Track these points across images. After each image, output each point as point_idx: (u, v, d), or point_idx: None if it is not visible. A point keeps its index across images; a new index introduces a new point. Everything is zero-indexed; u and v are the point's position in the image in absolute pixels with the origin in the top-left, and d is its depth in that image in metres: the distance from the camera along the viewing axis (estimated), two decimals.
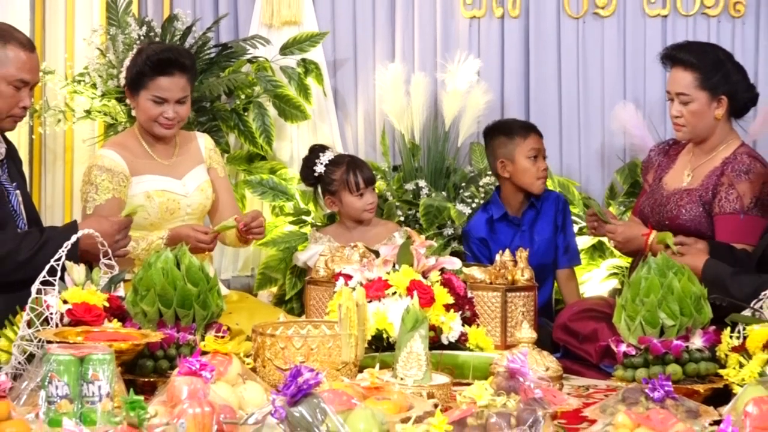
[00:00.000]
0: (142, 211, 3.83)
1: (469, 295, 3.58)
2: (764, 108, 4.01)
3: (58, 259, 2.95)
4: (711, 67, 3.82)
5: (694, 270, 3.17)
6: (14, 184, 3.58)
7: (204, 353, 2.74)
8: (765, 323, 2.96)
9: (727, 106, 3.83)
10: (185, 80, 3.97)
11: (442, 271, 3.56)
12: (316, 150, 4.46)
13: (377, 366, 2.74)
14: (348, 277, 3.52)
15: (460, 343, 3.42)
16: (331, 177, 4.34)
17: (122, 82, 4.15)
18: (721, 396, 2.88)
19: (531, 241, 4.32)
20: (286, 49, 4.94)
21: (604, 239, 4.28)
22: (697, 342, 2.99)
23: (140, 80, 3.96)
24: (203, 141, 4.20)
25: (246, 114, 4.90)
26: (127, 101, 4.15)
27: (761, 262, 3.42)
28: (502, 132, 4.44)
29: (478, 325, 3.54)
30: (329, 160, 4.38)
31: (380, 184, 4.71)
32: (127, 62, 4.10)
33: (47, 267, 2.93)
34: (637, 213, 4.09)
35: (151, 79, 3.93)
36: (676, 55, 3.88)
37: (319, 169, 4.37)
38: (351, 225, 4.39)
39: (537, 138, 4.42)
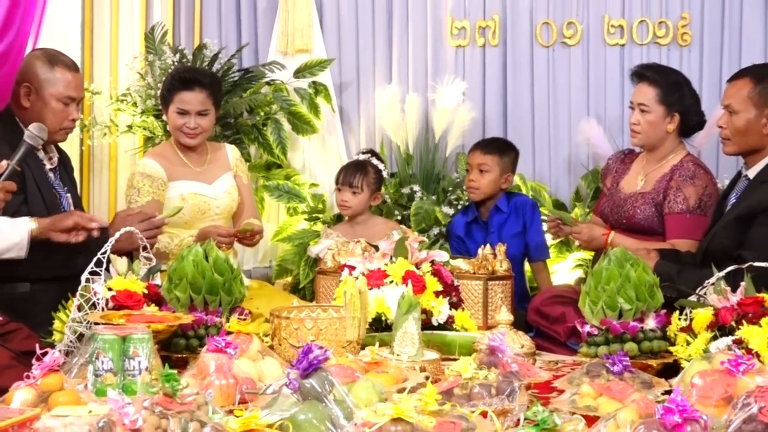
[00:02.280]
0: (180, 211, 3.83)
1: (456, 283, 3.58)
2: (708, 123, 4.01)
3: (104, 253, 2.95)
4: (671, 87, 3.85)
5: None
6: (65, 188, 3.57)
7: (229, 333, 2.74)
8: (708, 307, 2.95)
9: (678, 122, 3.85)
10: (204, 95, 3.96)
11: (433, 262, 3.55)
12: (367, 151, 4.52)
13: (377, 344, 2.73)
14: (352, 268, 3.52)
15: (447, 325, 3.42)
16: None
17: (159, 101, 4.17)
18: (671, 369, 2.87)
19: (500, 241, 4.29)
20: (298, 73, 4.94)
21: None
22: (650, 323, 2.99)
23: (169, 96, 3.98)
24: (231, 151, 4.20)
25: (265, 128, 4.90)
26: (164, 117, 4.16)
27: (705, 256, 3.42)
28: None
29: (463, 309, 3.53)
30: (355, 156, 4.53)
31: None
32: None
33: (94, 259, 2.93)
34: (598, 213, 4.09)
35: (176, 93, 3.95)
36: (643, 73, 3.92)
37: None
38: (355, 223, 4.38)
39: (474, 154, 4.39)
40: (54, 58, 3.48)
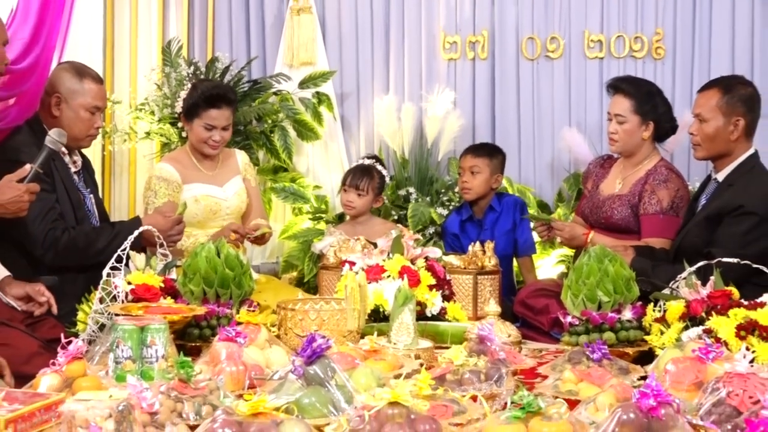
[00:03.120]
0: (188, 207, 3.82)
1: (448, 277, 3.58)
2: (680, 129, 4.02)
3: (124, 250, 2.95)
4: (645, 97, 3.84)
5: None
6: (88, 189, 3.58)
7: (239, 323, 2.74)
8: (680, 300, 2.96)
9: (652, 130, 3.85)
10: (230, 112, 3.97)
11: (427, 258, 3.55)
12: (372, 157, 4.49)
13: (375, 333, 2.74)
14: (352, 263, 3.52)
15: (440, 316, 3.42)
16: None
17: (178, 110, 4.14)
18: (646, 357, 2.88)
19: (492, 237, 4.29)
20: (303, 84, 4.94)
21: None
22: (627, 314, 2.99)
23: (195, 110, 3.94)
24: (241, 157, 4.19)
25: (272, 135, 4.89)
26: (179, 125, 4.14)
27: (678, 253, 3.43)
28: None
29: (454, 301, 3.54)
30: (357, 161, 4.48)
31: None
32: (183, 94, 4.09)
33: (115, 255, 2.93)
34: (579, 214, 4.09)
35: (204, 110, 3.92)
36: (619, 85, 3.91)
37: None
38: (356, 223, 4.38)
39: (465, 158, 4.38)
40: (82, 71, 3.49)
